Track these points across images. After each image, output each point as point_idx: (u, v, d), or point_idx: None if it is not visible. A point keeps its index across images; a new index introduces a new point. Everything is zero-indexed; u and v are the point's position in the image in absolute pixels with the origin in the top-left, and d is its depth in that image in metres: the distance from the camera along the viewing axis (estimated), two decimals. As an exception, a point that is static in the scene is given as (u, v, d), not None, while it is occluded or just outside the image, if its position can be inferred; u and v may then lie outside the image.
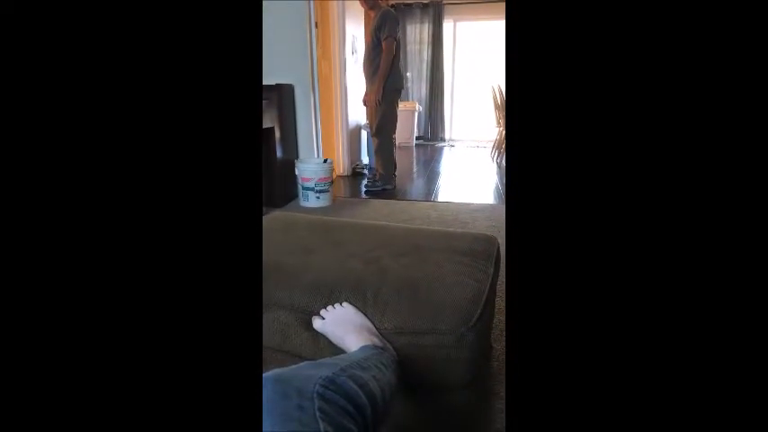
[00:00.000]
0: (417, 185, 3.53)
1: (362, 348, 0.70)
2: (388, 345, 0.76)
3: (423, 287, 0.85)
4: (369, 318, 0.80)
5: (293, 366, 0.53)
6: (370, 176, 3.42)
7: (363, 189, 3.30)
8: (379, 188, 3.20)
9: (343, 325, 0.78)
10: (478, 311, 0.80)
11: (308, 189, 2.73)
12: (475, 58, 5.99)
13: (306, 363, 0.57)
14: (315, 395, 0.48)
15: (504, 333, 1.21)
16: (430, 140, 5.96)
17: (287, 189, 2.85)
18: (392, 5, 5.21)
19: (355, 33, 3.84)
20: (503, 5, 5.38)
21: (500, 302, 1.32)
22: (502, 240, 0.97)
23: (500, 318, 1.30)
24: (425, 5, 5.60)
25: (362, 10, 3.62)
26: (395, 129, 3.17)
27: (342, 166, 3.74)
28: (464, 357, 0.77)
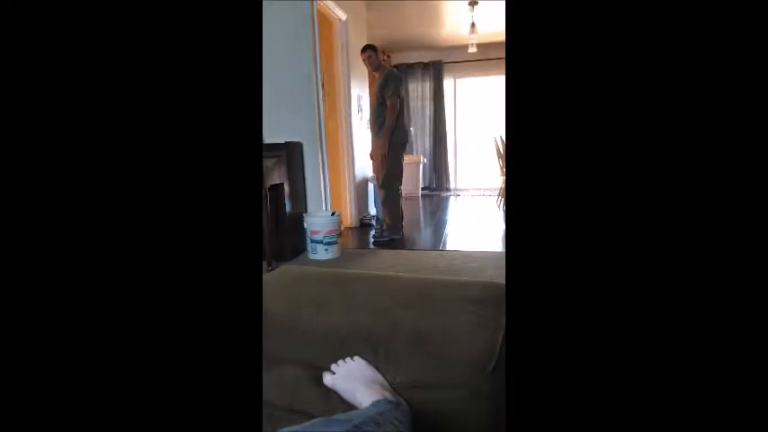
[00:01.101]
0: (425, 235, 3.55)
1: (375, 403, 0.68)
2: (401, 399, 0.74)
3: (434, 339, 0.83)
4: (380, 372, 0.79)
5: (306, 424, 0.52)
6: (378, 227, 3.45)
7: (371, 240, 3.32)
8: (387, 238, 3.22)
9: (354, 380, 0.76)
10: (493, 362, 0.78)
11: (316, 242, 2.75)
12: (475, 111, 6.24)
13: (318, 419, 0.55)
14: None
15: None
16: (435, 190, 6.06)
17: (296, 242, 2.88)
18: (395, 66, 5.53)
19: (360, 93, 4.05)
20: (498, 63, 5.67)
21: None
22: (512, 288, 0.97)
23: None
24: (426, 65, 5.92)
25: (366, 71, 3.83)
26: (401, 180, 3.24)
27: (350, 217, 3.79)
28: (480, 410, 0.74)
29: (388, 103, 2.98)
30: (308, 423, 0.52)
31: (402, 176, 3.24)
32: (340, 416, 0.59)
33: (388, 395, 0.72)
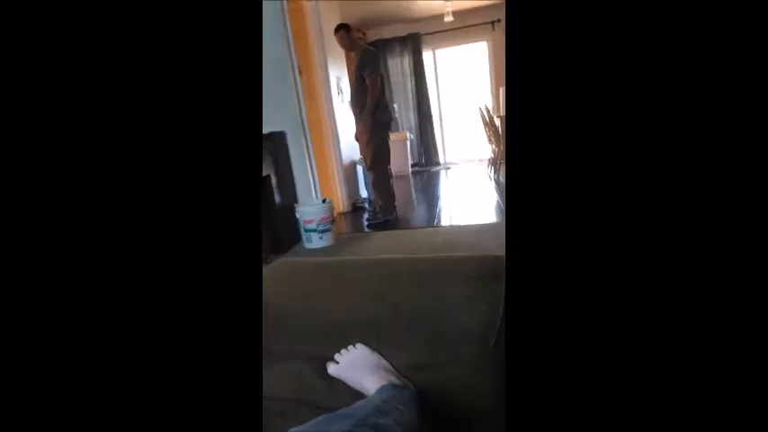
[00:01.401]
0: (419, 212, 3.54)
1: (381, 389, 0.68)
2: (407, 382, 0.74)
3: (434, 319, 0.83)
4: (384, 356, 0.78)
5: (311, 422, 0.52)
6: (371, 210, 3.44)
7: (365, 223, 3.31)
8: (381, 220, 3.21)
9: (358, 367, 0.76)
10: (494, 336, 0.78)
11: (310, 231, 2.74)
12: (457, 81, 6.15)
13: (324, 416, 0.55)
14: None
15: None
16: (425, 166, 6.03)
17: (289, 234, 2.86)
18: (371, 43, 5.40)
19: (339, 75, 3.96)
20: (476, 29, 5.57)
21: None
22: (508, 259, 0.97)
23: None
24: (403, 39, 5.79)
25: (343, 51, 3.74)
26: (389, 160, 3.21)
27: (341, 203, 3.76)
28: (484, 384, 0.74)
29: (367, 81, 2.92)
30: (311, 422, 0.52)
31: (390, 156, 3.21)
32: (344, 410, 0.58)
33: (394, 379, 0.72)
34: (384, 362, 0.77)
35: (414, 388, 0.74)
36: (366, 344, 0.81)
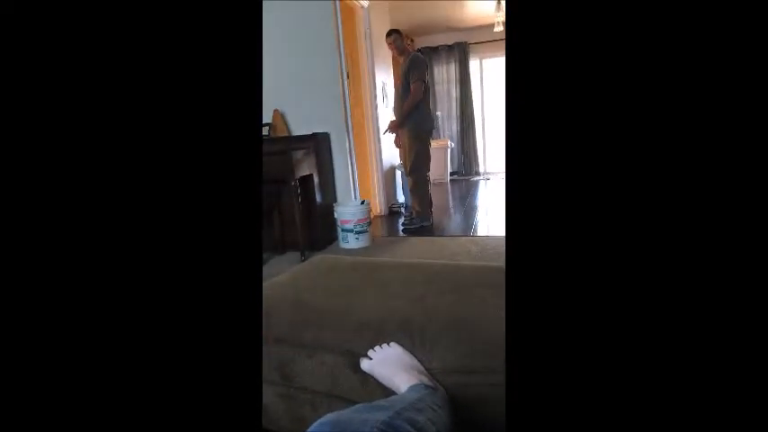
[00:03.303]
0: (455, 221, 3.52)
1: (413, 388, 0.69)
2: (438, 384, 0.75)
3: (470, 325, 0.84)
4: (417, 358, 0.80)
5: (349, 409, 0.54)
6: (407, 214, 3.45)
7: (401, 227, 3.33)
8: (417, 225, 3.21)
9: (391, 365, 0.78)
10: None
11: (347, 231, 2.78)
12: (502, 91, 6.06)
13: (361, 405, 0.57)
14: None
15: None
16: (465, 175, 5.97)
17: (327, 232, 2.92)
18: (419, 50, 5.43)
19: (385, 80, 4.01)
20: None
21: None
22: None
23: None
24: (450, 47, 5.79)
25: (390, 58, 3.79)
26: (428, 167, 3.22)
27: (379, 206, 3.80)
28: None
29: (411, 87, 2.95)
30: (349, 409, 0.54)
31: (429, 162, 3.22)
32: (381, 402, 0.60)
33: (425, 380, 0.73)
34: (417, 362, 0.78)
35: (444, 391, 0.75)
36: (400, 344, 0.82)
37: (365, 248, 2.77)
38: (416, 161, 3.12)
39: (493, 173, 6.05)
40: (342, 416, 0.51)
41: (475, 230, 3.11)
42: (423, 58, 3.07)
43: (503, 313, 0.86)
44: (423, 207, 3.22)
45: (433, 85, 5.82)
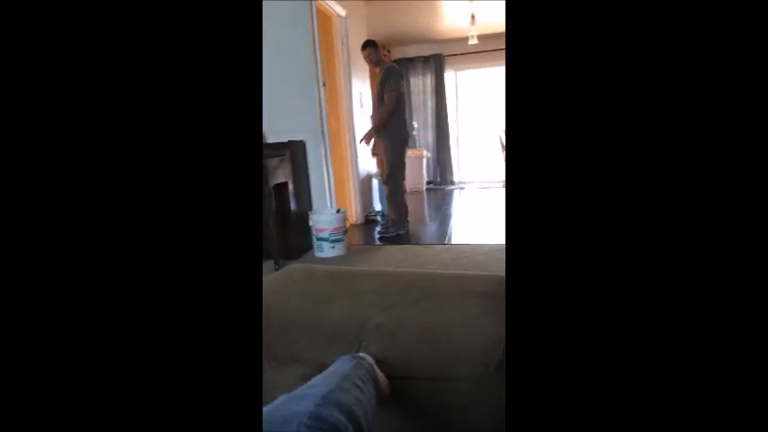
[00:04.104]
0: (430, 229, 3.55)
1: (340, 360, 0.69)
2: (361, 354, 0.76)
3: (441, 334, 0.84)
4: (388, 365, 0.80)
5: (272, 404, 0.51)
6: (383, 223, 3.46)
7: (377, 236, 3.33)
8: (393, 234, 3.23)
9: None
10: (499, 356, 0.79)
11: (322, 239, 2.77)
12: (477, 103, 6.20)
13: (284, 396, 0.55)
14: None
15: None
16: (440, 185, 6.05)
17: (302, 240, 2.90)
18: (395, 60, 5.49)
19: (362, 89, 4.04)
20: (499, 53, 5.63)
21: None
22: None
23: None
24: (427, 58, 5.89)
25: (367, 67, 3.83)
26: (404, 176, 3.25)
27: (355, 214, 3.80)
28: (485, 403, 0.75)
29: (385, 98, 2.99)
30: (271, 405, 0.51)
31: (404, 171, 3.25)
32: (303, 389, 0.58)
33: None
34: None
35: (370, 360, 0.75)
36: (371, 353, 0.82)
37: (341, 257, 2.76)
38: (392, 170, 3.15)
39: (467, 182, 6.15)
40: (264, 414, 0.48)
41: (449, 239, 3.15)
42: (398, 70, 3.11)
43: (475, 320, 0.87)
44: (399, 215, 3.24)
45: (410, 96, 5.90)
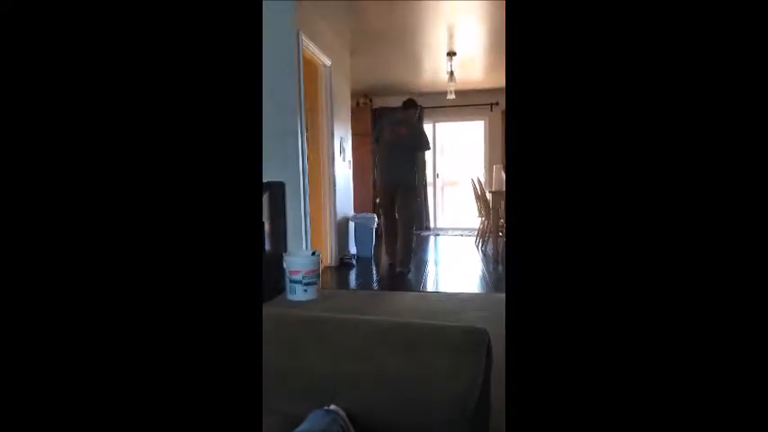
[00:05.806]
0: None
1: (314, 415, 0.70)
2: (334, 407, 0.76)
3: (415, 383, 0.84)
4: (362, 417, 0.78)
5: None
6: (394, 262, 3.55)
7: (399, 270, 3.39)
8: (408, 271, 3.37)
9: None
10: (473, 404, 0.79)
11: (295, 282, 2.72)
12: (453, 154, 6.45)
13: None
14: None
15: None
16: (416, 230, 6.12)
17: (274, 282, 2.84)
18: (375, 109, 5.69)
19: (343, 135, 4.14)
20: (475, 108, 5.93)
21: (500, 397, 1.29)
22: (492, 330, 0.99)
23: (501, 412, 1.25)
24: (406, 109, 6.12)
25: (349, 114, 3.96)
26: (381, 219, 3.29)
27: (330, 256, 3.77)
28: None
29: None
30: None
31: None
32: None
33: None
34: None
35: (343, 414, 0.75)
36: (343, 406, 0.80)
37: (313, 301, 2.70)
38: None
39: (442, 228, 6.24)
40: None
41: (424, 286, 3.15)
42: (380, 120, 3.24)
43: (448, 372, 0.87)
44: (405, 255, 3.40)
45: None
